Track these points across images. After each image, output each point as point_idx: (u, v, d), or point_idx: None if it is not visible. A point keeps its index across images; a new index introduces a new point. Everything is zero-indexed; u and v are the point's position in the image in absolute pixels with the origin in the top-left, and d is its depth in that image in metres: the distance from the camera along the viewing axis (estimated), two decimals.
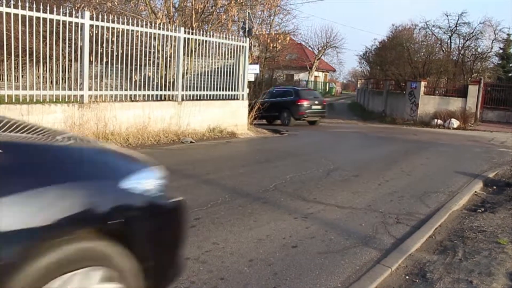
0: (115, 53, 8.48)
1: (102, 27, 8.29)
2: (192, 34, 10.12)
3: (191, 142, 9.15)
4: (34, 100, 7.34)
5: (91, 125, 7.90)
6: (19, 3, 6.94)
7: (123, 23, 8.54)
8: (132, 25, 8.71)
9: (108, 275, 1.84)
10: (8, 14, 6.82)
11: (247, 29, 12.61)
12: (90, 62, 8.23)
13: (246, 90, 11.76)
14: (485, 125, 18.69)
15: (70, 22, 7.79)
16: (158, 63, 10.10)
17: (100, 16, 8.20)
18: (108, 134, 8.09)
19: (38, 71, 9.27)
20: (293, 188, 5.79)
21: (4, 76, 6.99)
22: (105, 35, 8.37)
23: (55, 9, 7.40)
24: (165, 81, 10.09)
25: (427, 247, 3.97)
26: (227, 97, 11.17)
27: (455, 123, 17.63)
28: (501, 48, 30.20)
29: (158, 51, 10.06)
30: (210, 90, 10.71)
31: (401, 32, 32.69)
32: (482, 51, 30.67)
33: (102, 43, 8.33)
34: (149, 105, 9.09)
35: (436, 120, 18.84)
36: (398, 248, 3.85)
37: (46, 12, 7.28)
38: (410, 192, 5.99)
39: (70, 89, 7.98)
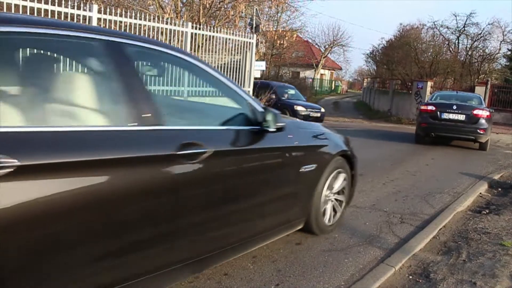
0: None
1: (110, 20, 8.30)
2: (199, 29, 10.11)
3: None
4: None
5: None
6: None
7: (130, 17, 8.54)
8: (140, 19, 8.71)
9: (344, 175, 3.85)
10: (16, 6, 6.83)
11: (254, 26, 12.59)
12: None
13: (252, 87, 11.76)
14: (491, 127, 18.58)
15: (78, 15, 7.80)
16: None
17: (107, 10, 8.20)
18: None
19: None
20: None
21: None
22: (112, 28, 8.37)
23: (63, 2, 7.41)
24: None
25: (431, 248, 3.96)
26: None
27: None
28: (509, 50, 29.99)
29: None
30: None
31: (408, 31, 32.57)
32: (490, 52, 30.56)
33: None
34: None
35: None
36: (402, 247, 3.84)
37: (54, 5, 7.29)
38: (414, 192, 5.98)
39: None
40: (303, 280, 3.11)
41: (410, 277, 3.33)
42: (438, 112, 10.95)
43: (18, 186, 1.74)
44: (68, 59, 2.87)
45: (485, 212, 5.24)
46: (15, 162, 1.70)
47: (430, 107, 11.16)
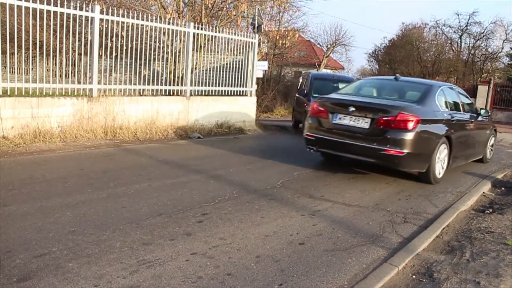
0: (124, 48, 8.50)
1: (112, 21, 8.31)
2: (202, 29, 10.11)
3: (198, 137, 9.16)
4: (44, 93, 7.37)
5: (100, 119, 7.94)
6: None
7: (132, 18, 8.54)
8: (142, 19, 8.72)
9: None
10: (19, 7, 6.85)
11: (256, 26, 12.57)
12: (100, 56, 8.24)
13: (255, 87, 11.75)
14: None
15: (80, 16, 7.81)
16: (167, 58, 10.11)
17: (110, 10, 8.21)
18: (117, 128, 8.11)
19: (48, 64, 9.30)
20: (300, 185, 5.79)
21: (14, 69, 7.02)
22: (114, 29, 8.37)
23: (65, 3, 7.42)
24: (174, 76, 10.09)
25: (435, 247, 3.96)
26: (235, 93, 11.16)
27: None
28: None
29: (167, 46, 10.07)
30: (219, 86, 10.71)
31: (411, 30, 32.54)
32: (493, 51, 30.51)
33: (111, 37, 8.34)
34: (158, 100, 9.11)
35: None
36: (405, 247, 3.84)
37: (56, 6, 7.31)
38: (417, 192, 5.97)
39: (79, 82, 8.00)
40: (306, 280, 3.11)
41: (414, 276, 3.32)
42: None
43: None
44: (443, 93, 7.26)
45: (488, 212, 5.23)
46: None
47: None
